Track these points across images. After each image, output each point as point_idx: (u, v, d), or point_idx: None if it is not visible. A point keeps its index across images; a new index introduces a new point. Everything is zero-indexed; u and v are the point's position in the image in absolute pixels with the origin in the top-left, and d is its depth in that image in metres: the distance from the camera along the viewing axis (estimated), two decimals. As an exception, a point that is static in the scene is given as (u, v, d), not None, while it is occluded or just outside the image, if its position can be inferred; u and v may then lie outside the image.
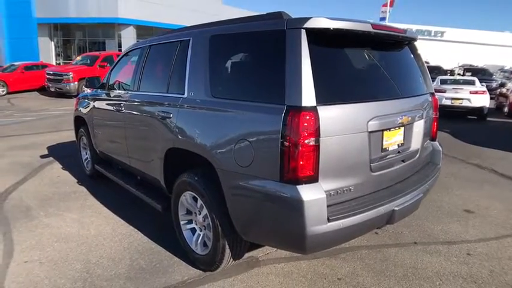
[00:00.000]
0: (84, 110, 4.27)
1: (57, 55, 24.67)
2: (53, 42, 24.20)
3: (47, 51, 23.01)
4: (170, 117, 2.56)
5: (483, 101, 9.48)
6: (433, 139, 2.86)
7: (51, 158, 5.39)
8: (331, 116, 1.88)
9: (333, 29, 1.91)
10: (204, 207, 2.35)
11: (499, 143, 6.67)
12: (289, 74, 1.84)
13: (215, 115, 2.25)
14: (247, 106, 2.04)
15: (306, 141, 1.78)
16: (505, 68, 24.89)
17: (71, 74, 13.12)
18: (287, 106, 1.81)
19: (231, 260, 2.37)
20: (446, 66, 19.76)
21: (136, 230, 3.12)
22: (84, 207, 3.62)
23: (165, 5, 23.46)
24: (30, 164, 5.04)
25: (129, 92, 3.31)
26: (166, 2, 23.51)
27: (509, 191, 4.22)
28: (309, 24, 1.86)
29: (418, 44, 2.79)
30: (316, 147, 1.81)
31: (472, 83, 10.42)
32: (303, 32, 1.86)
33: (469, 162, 5.48)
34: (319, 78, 1.84)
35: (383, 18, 22.76)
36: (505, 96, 11.21)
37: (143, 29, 23.45)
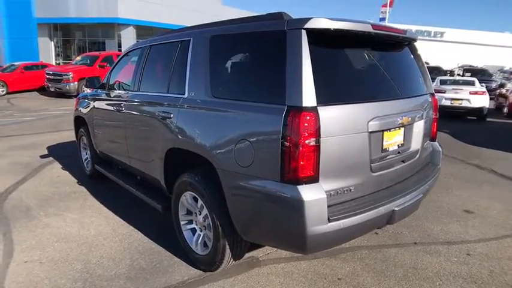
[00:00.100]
0: (84, 110, 4.27)
1: (57, 55, 24.66)
2: (52, 42, 24.19)
3: (47, 51, 23.00)
4: (170, 118, 2.56)
5: (483, 101, 9.49)
6: (433, 139, 2.87)
7: (51, 158, 5.39)
8: (332, 116, 1.88)
9: (333, 29, 1.92)
10: (205, 207, 2.35)
11: (498, 144, 6.68)
12: (290, 75, 1.85)
13: (216, 115, 2.25)
14: (247, 106, 2.04)
15: (307, 141, 1.78)
16: (505, 69, 24.94)
17: (71, 74, 13.11)
18: (288, 106, 1.82)
19: (232, 260, 2.37)
20: (446, 66, 19.78)
21: (136, 230, 3.12)
22: (84, 207, 3.62)
23: (165, 5, 23.46)
24: (30, 164, 5.04)
25: (130, 92, 3.31)
26: (166, 2, 23.51)
27: (508, 192, 4.23)
28: (310, 24, 1.86)
29: (418, 45, 2.79)
30: (317, 147, 1.81)
31: (471, 83, 10.43)
32: (304, 32, 1.86)
33: (468, 162, 5.49)
34: (319, 78, 1.84)
35: (383, 19, 22.78)
36: (505, 96, 11.23)
37: (143, 29, 23.44)
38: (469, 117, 9.92)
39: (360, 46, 2.31)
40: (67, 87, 13.15)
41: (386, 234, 3.07)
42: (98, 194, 3.96)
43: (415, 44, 2.76)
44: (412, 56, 2.72)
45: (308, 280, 2.41)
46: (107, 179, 3.99)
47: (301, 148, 1.78)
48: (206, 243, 2.47)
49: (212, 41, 2.41)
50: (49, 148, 6.01)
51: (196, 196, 2.41)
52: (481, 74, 16.75)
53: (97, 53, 16.03)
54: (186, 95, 2.50)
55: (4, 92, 14.05)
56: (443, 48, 35.78)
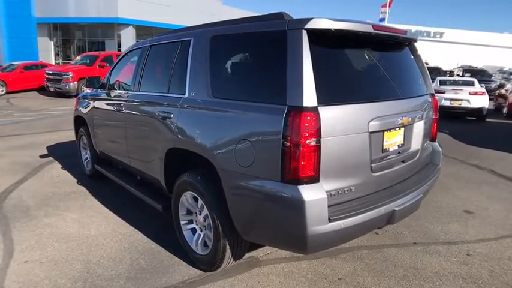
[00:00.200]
0: (84, 110, 4.26)
1: (57, 55, 24.64)
2: (52, 42, 24.17)
3: (46, 51, 22.99)
4: (171, 117, 2.56)
5: (482, 102, 9.51)
6: (433, 140, 2.87)
7: (50, 158, 5.39)
8: (332, 116, 1.88)
9: (334, 29, 1.92)
10: (205, 207, 2.35)
11: (498, 144, 6.69)
12: (291, 75, 1.85)
13: (216, 115, 2.25)
14: (248, 106, 2.04)
15: (307, 141, 1.79)
16: (504, 69, 24.97)
17: (71, 74, 13.10)
18: (288, 106, 1.82)
19: (232, 260, 2.37)
20: (445, 67, 19.81)
21: (136, 230, 3.12)
22: (84, 207, 3.62)
23: (164, 5, 23.45)
24: (30, 164, 5.04)
25: (130, 92, 3.31)
26: (166, 2, 23.50)
27: (508, 192, 4.24)
28: (310, 25, 1.87)
29: (418, 45, 2.80)
30: (317, 147, 1.81)
31: (471, 84, 10.45)
32: (304, 32, 1.86)
33: (468, 162, 5.49)
34: (320, 78, 1.85)
35: (382, 19, 22.79)
36: (504, 97, 11.24)
37: (143, 29, 23.44)
38: (468, 118, 9.93)
39: (360, 46, 2.31)
40: (67, 87, 13.14)
41: (386, 234, 3.07)
42: (98, 194, 3.95)
43: (415, 44, 2.76)
44: (412, 57, 2.72)
45: (308, 280, 2.41)
46: (106, 179, 3.99)
47: (301, 148, 1.78)
48: (206, 243, 2.47)
49: (213, 41, 2.42)
50: (49, 148, 6.01)
51: (197, 196, 2.41)
52: (481, 75, 16.79)
53: (97, 53, 16.02)
54: (186, 95, 2.50)
55: (3, 92, 14.03)
56: (443, 48, 35.80)
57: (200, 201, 2.40)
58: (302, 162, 1.79)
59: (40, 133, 7.30)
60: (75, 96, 12.38)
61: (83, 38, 25.02)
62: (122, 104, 3.32)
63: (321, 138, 1.82)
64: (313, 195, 1.79)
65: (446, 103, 9.45)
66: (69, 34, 24.90)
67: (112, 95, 3.62)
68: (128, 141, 3.31)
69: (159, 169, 2.77)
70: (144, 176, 3.21)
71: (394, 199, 2.17)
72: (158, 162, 2.76)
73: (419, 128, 2.53)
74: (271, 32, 2.04)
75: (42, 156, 5.45)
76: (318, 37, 1.90)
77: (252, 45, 2.20)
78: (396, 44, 2.58)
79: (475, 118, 9.89)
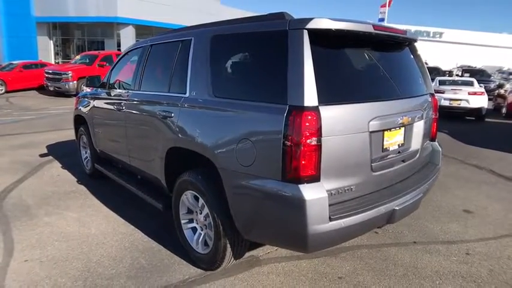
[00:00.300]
0: (84, 109, 4.26)
1: (56, 54, 24.60)
2: (51, 41, 24.13)
3: (46, 50, 22.95)
4: (172, 117, 2.56)
5: (481, 101, 9.53)
6: (432, 139, 2.88)
7: (50, 157, 5.39)
8: (333, 115, 1.89)
9: (335, 29, 1.93)
10: (206, 206, 2.36)
11: (497, 144, 6.70)
12: (292, 74, 1.85)
13: (217, 115, 2.26)
14: (249, 106, 2.05)
15: (308, 140, 1.79)
16: (503, 69, 25.01)
17: (70, 73, 13.09)
18: (289, 106, 1.82)
19: (232, 259, 2.38)
20: (444, 67, 19.84)
21: (136, 229, 3.13)
22: (84, 206, 3.62)
23: (164, 4, 23.43)
24: (30, 163, 5.03)
25: (130, 91, 3.31)
26: (165, 2, 23.48)
27: (507, 192, 4.25)
28: (311, 24, 1.87)
29: (417, 45, 2.80)
30: (318, 146, 1.82)
31: (470, 84, 10.47)
32: (305, 32, 1.87)
33: (467, 162, 5.51)
34: (321, 78, 1.85)
35: (382, 19, 22.81)
36: (503, 97, 11.26)
37: (142, 29, 23.42)
38: (467, 118, 9.95)
39: (360, 46, 2.32)
40: (66, 86, 13.12)
41: (386, 233, 3.08)
42: (98, 193, 3.96)
43: (415, 44, 2.77)
44: (412, 56, 2.73)
45: (309, 279, 2.41)
46: (107, 178, 3.99)
47: (302, 147, 1.79)
48: (207, 242, 2.47)
49: (213, 40, 2.42)
50: (48, 147, 6.00)
51: (197, 195, 2.42)
52: (480, 75, 16.83)
53: (96, 52, 15.99)
54: (187, 95, 2.50)
55: (3, 91, 14.01)
56: (442, 48, 35.86)
57: (201, 200, 2.41)
58: (303, 162, 1.79)
59: (40, 132, 7.29)
60: (74, 95, 12.37)
61: (82, 37, 24.99)
62: (122, 103, 3.32)
63: (322, 138, 1.83)
64: (314, 194, 1.79)
65: (446, 103, 9.46)
66: (68, 33, 24.86)
67: (112, 94, 3.62)
68: (128, 140, 3.31)
69: (159, 168, 2.77)
70: (145, 175, 3.21)
71: (394, 198, 2.17)
72: (159, 162, 2.76)
73: (419, 127, 2.53)
74: (272, 31, 2.04)
75: (42, 155, 5.45)
76: (319, 37, 1.91)
77: (253, 44, 2.21)
78: (396, 44, 2.59)
79: (474, 118, 9.91)
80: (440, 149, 2.91)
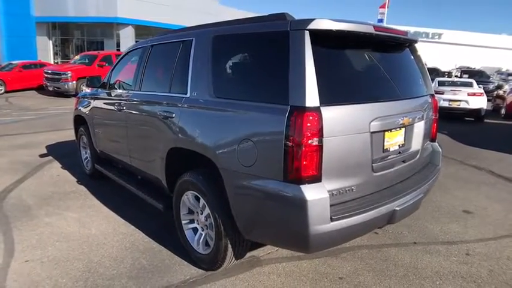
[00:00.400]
0: (84, 109, 4.26)
1: (55, 54, 24.58)
2: (51, 41, 24.11)
3: (45, 50, 22.92)
4: (172, 117, 2.57)
5: (480, 102, 9.56)
6: (433, 140, 2.89)
7: (50, 157, 5.38)
8: (334, 116, 1.90)
9: (336, 30, 1.93)
10: (207, 206, 2.36)
11: (496, 145, 6.72)
12: (293, 75, 1.86)
13: (218, 115, 2.26)
14: (250, 106, 2.05)
15: (310, 141, 1.80)
16: (502, 70, 25.07)
17: (70, 73, 13.07)
18: (291, 106, 1.83)
19: (233, 259, 2.38)
20: (443, 68, 19.89)
21: (137, 229, 3.13)
22: (84, 207, 3.62)
23: (163, 4, 23.44)
24: (29, 163, 5.03)
25: (131, 92, 3.31)
26: (164, 2, 23.49)
27: (506, 192, 4.26)
28: (313, 25, 1.88)
29: (417, 46, 2.81)
30: (320, 147, 1.83)
31: (469, 85, 10.50)
32: (307, 33, 1.87)
33: (466, 163, 5.52)
34: (322, 79, 1.86)
35: (381, 20, 22.86)
36: (502, 98, 11.30)
37: (142, 29, 23.43)
38: (466, 119, 9.98)
39: (361, 47, 2.33)
40: (66, 87, 13.11)
41: (386, 234, 3.08)
42: (98, 193, 3.95)
43: (416, 45, 2.78)
44: (412, 57, 2.74)
45: (309, 279, 2.42)
46: (107, 178, 3.99)
47: (304, 148, 1.79)
48: (208, 243, 2.47)
49: (215, 41, 2.42)
50: (48, 147, 6.00)
51: (198, 195, 2.42)
52: (479, 76, 16.87)
53: (96, 52, 15.98)
54: (188, 95, 2.50)
55: (2, 91, 13.98)
56: (441, 49, 35.93)
57: (202, 201, 2.41)
58: (304, 162, 1.80)
59: (39, 132, 7.28)
60: (74, 95, 12.37)
61: (82, 37, 24.97)
62: (123, 104, 3.33)
63: (323, 138, 1.83)
64: (315, 194, 1.80)
65: (445, 104, 9.48)
66: (68, 33, 24.85)
67: (113, 95, 3.62)
68: (129, 141, 3.31)
69: (160, 168, 2.78)
70: (145, 176, 3.21)
71: (394, 199, 2.18)
72: (159, 162, 2.76)
73: (419, 128, 2.54)
74: (273, 32, 2.05)
75: (41, 156, 5.45)
76: (320, 38, 1.91)
77: (254, 45, 2.21)
78: (397, 45, 2.60)
79: (473, 119, 9.93)
80: (440, 150, 2.92)
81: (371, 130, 2.07)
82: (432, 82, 10.03)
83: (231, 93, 2.27)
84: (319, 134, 1.81)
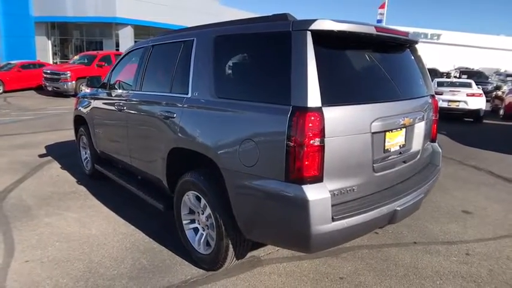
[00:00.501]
0: (84, 110, 4.26)
1: (54, 54, 24.54)
2: (50, 41, 24.07)
3: (44, 50, 22.88)
4: (173, 117, 2.57)
5: (479, 103, 9.59)
6: (433, 140, 2.90)
7: (49, 157, 5.37)
8: (336, 116, 1.90)
9: (337, 31, 1.94)
10: (208, 206, 2.36)
11: (495, 145, 6.75)
12: (295, 75, 1.86)
13: (220, 115, 2.26)
14: (252, 107, 2.06)
15: (311, 141, 1.80)
16: (500, 71, 25.15)
17: (69, 73, 13.05)
18: (293, 107, 1.83)
19: (234, 259, 2.38)
20: (442, 68, 19.94)
21: (137, 229, 3.12)
22: (84, 207, 3.61)
23: (162, 4, 23.44)
24: (29, 163, 5.02)
25: (131, 92, 3.31)
26: (164, 2, 23.49)
27: (506, 193, 4.28)
28: (315, 26, 1.88)
29: (418, 47, 2.82)
30: (321, 147, 1.83)
31: (468, 85, 10.52)
32: (309, 33, 1.88)
33: (466, 163, 5.54)
34: (324, 79, 1.86)
35: (380, 21, 22.90)
36: (501, 99, 11.33)
37: (141, 29, 23.41)
38: (465, 119, 10.00)
39: (362, 48, 2.33)
40: (65, 87, 13.09)
41: (386, 234, 3.09)
42: (98, 194, 3.95)
43: (416, 46, 2.79)
44: (413, 58, 2.75)
45: (310, 279, 2.42)
46: (106, 179, 3.99)
47: (306, 148, 1.80)
48: (209, 243, 2.47)
49: (216, 41, 2.43)
50: (47, 147, 5.98)
51: (199, 195, 2.42)
52: (477, 76, 16.91)
53: (95, 52, 15.96)
54: (189, 95, 2.51)
55: (1, 91, 13.95)
56: (440, 50, 36.01)
57: (203, 201, 2.41)
58: (306, 162, 1.80)
59: (38, 132, 7.26)
60: (73, 95, 12.35)
61: (80, 37, 24.94)
62: (123, 104, 3.32)
63: (325, 139, 1.84)
64: (317, 194, 1.80)
65: (444, 104, 9.50)
66: (67, 33, 24.81)
67: (113, 95, 3.62)
68: (129, 141, 3.31)
69: (161, 169, 2.77)
70: (146, 176, 3.21)
71: (395, 199, 2.19)
72: (160, 162, 2.76)
73: (420, 128, 2.55)
74: (275, 32, 2.05)
75: (41, 156, 5.43)
76: (322, 38, 1.92)
77: (256, 45, 2.22)
78: (397, 46, 2.61)
79: (472, 119, 9.96)
80: (440, 150, 2.93)
81: (372, 130, 2.07)
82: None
83: (233, 93, 2.27)
84: (321, 134, 1.82)
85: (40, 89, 14.46)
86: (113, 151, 3.77)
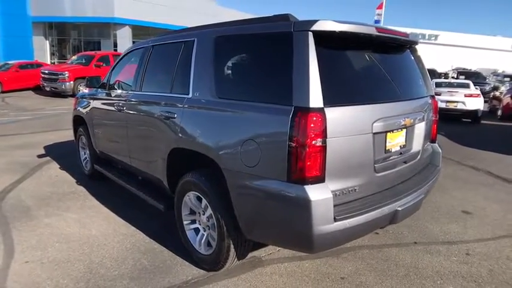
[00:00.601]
0: (83, 110, 4.24)
1: (52, 54, 24.44)
2: (47, 41, 23.97)
3: (42, 50, 22.78)
4: (174, 118, 2.56)
5: (477, 104, 9.63)
6: (433, 141, 2.91)
7: (48, 158, 5.35)
8: (338, 117, 1.90)
9: (339, 31, 1.94)
10: (209, 207, 2.36)
11: (493, 146, 6.78)
12: (297, 76, 1.87)
13: (221, 116, 2.26)
14: (253, 107, 2.06)
15: (313, 142, 1.80)
16: (498, 72, 25.27)
17: (67, 74, 13.01)
18: (295, 107, 1.84)
19: (236, 259, 2.38)
20: (440, 69, 20.00)
21: (138, 230, 3.12)
22: (84, 207, 3.60)
23: (161, 5, 23.40)
24: (28, 164, 4.99)
25: (131, 92, 3.30)
26: (162, 2, 23.46)
27: (505, 193, 4.30)
28: (316, 26, 1.89)
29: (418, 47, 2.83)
30: (323, 147, 1.84)
31: (466, 86, 10.56)
32: (310, 34, 1.88)
33: (464, 164, 5.56)
34: (325, 79, 1.87)
35: (377, 21, 22.92)
36: (498, 99, 11.39)
37: (139, 29, 23.36)
38: (463, 120, 10.05)
39: (363, 48, 2.34)
40: (63, 87, 13.05)
41: (387, 234, 3.10)
42: (97, 194, 3.94)
43: (416, 46, 2.80)
44: (413, 58, 2.76)
45: (311, 279, 2.42)
46: (106, 179, 3.98)
47: (307, 148, 1.80)
48: (210, 243, 2.47)
49: (217, 41, 2.43)
50: (46, 148, 5.96)
51: (200, 196, 2.42)
52: (475, 77, 16.99)
53: (93, 52, 15.91)
54: (190, 95, 2.50)
55: (-2, 91, 13.90)
56: (438, 51, 36.13)
57: (204, 201, 2.41)
58: (308, 163, 1.81)
59: (37, 133, 7.24)
60: (71, 96, 12.32)
61: (78, 37, 24.86)
62: (123, 104, 3.31)
63: (327, 139, 1.84)
64: (319, 195, 1.81)
65: (442, 105, 9.52)
66: (64, 33, 24.72)
67: (113, 95, 3.61)
68: (129, 141, 3.30)
69: (161, 169, 2.77)
70: (146, 176, 3.21)
71: (396, 199, 2.19)
72: (161, 162, 2.76)
73: (420, 129, 2.56)
74: (277, 33, 2.05)
75: (39, 156, 5.41)
76: (323, 39, 1.92)
77: (258, 46, 2.22)
78: (398, 46, 2.62)
79: (470, 120, 10.00)
80: (440, 151, 2.95)
81: (373, 131, 2.08)
82: (430, 83, 9.99)
83: (234, 93, 2.27)
84: (323, 134, 1.82)
85: (38, 89, 14.41)
86: (112, 151, 3.76)
